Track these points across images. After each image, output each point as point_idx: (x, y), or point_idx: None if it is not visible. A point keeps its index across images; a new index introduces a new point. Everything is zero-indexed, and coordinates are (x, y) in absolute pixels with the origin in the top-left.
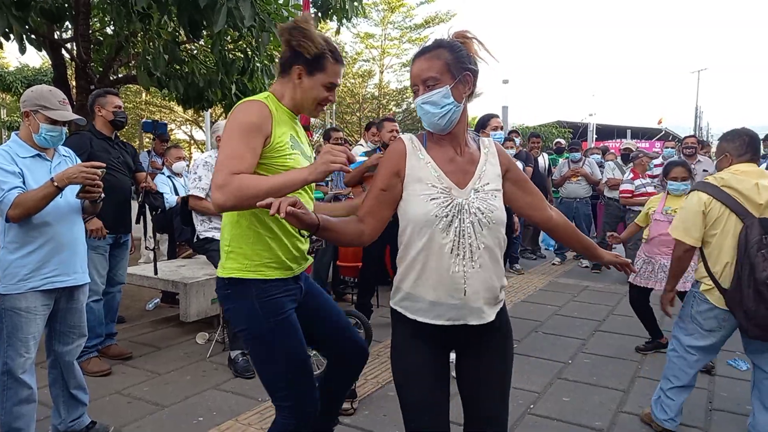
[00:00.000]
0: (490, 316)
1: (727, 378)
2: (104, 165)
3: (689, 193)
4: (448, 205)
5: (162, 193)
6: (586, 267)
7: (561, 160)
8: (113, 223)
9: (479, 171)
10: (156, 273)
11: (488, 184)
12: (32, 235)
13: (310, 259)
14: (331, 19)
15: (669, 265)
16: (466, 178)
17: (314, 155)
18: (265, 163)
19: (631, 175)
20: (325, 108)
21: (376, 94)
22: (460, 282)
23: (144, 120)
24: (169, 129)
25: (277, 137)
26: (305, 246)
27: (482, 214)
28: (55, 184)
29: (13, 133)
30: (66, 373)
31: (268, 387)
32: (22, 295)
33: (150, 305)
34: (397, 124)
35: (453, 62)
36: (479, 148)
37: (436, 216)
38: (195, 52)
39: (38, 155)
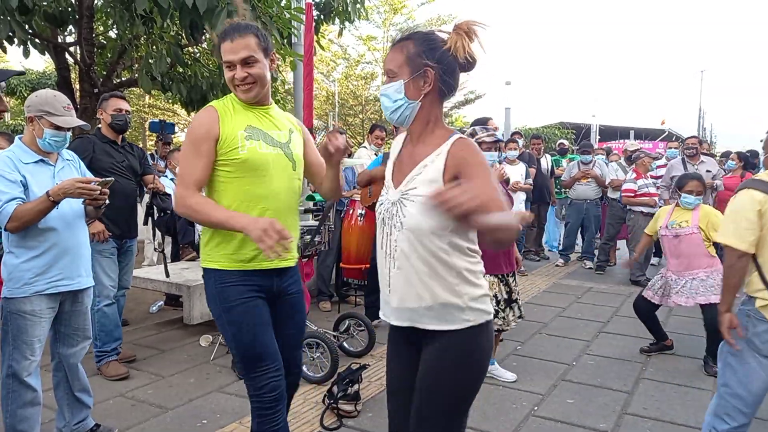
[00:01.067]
0: (427, 325)
1: None
2: (111, 179)
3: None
4: (382, 203)
5: (170, 195)
6: (590, 268)
7: (569, 162)
8: (117, 228)
9: (412, 174)
10: (167, 275)
11: (415, 189)
12: (37, 240)
13: (291, 259)
14: (333, 22)
15: (681, 282)
16: (403, 178)
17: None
18: (221, 159)
19: (634, 175)
20: (247, 86)
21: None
22: (385, 280)
23: (151, 120)
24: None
25: (226, 134)
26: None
27: (399, 217)
28: (51, 198)
29: (16, 138)
30: (70, 376)
31: (237, 366)
32: (27, 298)
33: (153, 308)
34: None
35: (414, 56)
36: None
37: (378, 212)
38: (197, 55)
39: (41, 160)
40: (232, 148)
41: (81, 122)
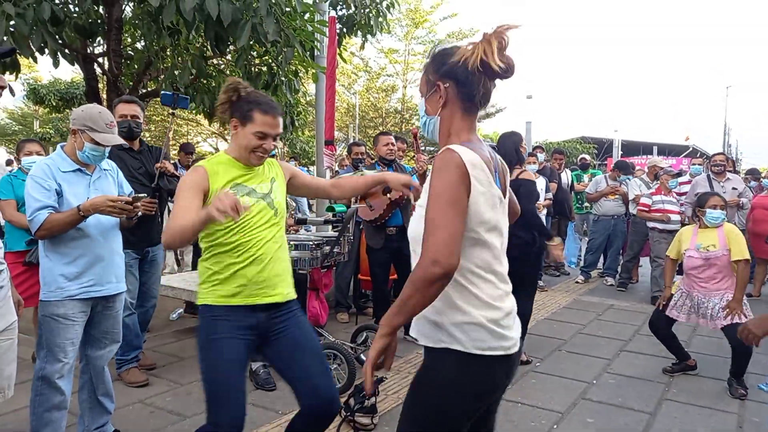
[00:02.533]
0: (415, 334)
1: (758, 402)
2: (143, 196)
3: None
4: None
5: (178, 177)
6: (611, 285)
7: (590, 177)
8: (137, 239)
9: (425, 185)
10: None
11: (422, 199)
12: (71, 246)
13: (276, 295)
14: (356, 35)
15: (706, 303)
16: None
17: (330, 166)
18: None
19: (653, 191)
20: (263, 156)
21: (399, 108)
22: None
23: (163, 91)
24: (195, 142)
25: (214, 188)
26: (267, 282)
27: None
28: (81, 213)
29: (58, 146)
30: (96, 379)
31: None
32: (60, 302)
33: (174, 315)
34: (392, 137)
35: (428, 75)
36: None
37: None
38: (222, 66)
39: (79, 170)
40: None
41: (121, 140)
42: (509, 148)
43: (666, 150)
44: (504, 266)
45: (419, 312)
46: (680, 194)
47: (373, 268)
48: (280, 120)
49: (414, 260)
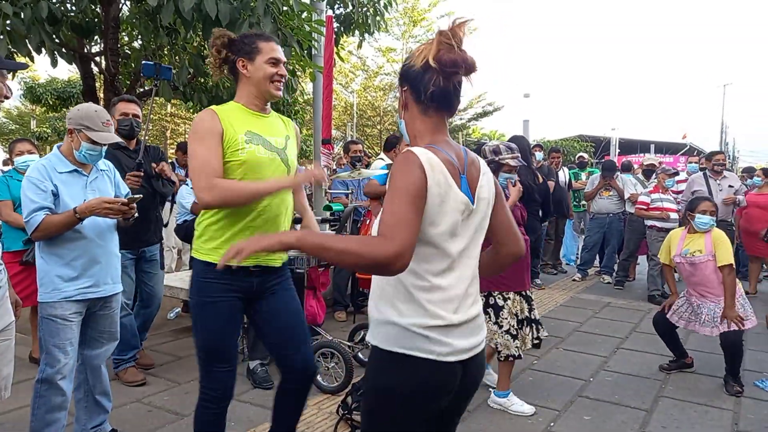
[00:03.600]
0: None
1: (754, 399)
2: (139, 197)
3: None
4: None
5: (174, 182)
6: (609, 283)
7: (588, 175)
8: (130, 238)
9: None
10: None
11: None
12: (68, 248)
13: (277, 259)
14: (353, 34)
15: (703, 308)
16: None
17: (327, 164)
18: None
19: (651, 189)
20: (281, 84)
21: (397, 107)
22: None
23: (144, 62)
24: None
25: (228, 134)
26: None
27: None
28: (77, 215)
29: (55, 146)
30: (92, 378)
31: (197, 354)
32: (57, 303)
33: (171, 314)
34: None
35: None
36: None
37: None
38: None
39: (76, 170)
40: (233, 149)
41: (118, 138)
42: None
43: (663, 148)
44: (462, 279)
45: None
46: (677, 192)
47: None
48: (281, 47)
49: None
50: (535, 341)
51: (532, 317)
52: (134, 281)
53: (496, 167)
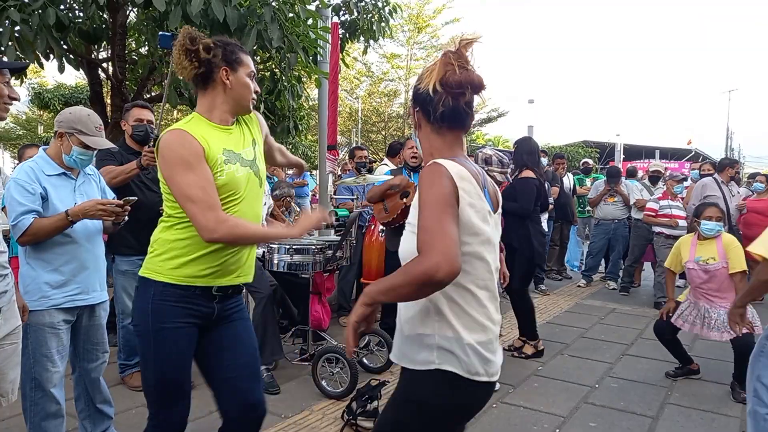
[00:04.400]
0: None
1: None
2: (134, 199)
3: None
4: None
5: None
6: (614, 289)
7: (593, 181)
8: (139, 243)
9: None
10: None
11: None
12: (56, 252)
13: (239, 278)
14: (358, 40)
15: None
16: None
17: (333, 170)
18: None
19: (660, 195)
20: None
21: (402, 113)
22: None
23: (161, 33)
24: None
25: (208, 156)
26: (240, 265)
27: None
28: (69, 218)
29: (41, 149)
30: (91, 390)
31: (143, 390)
32: (46, 311)
33: None
34: (415, 142)
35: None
36: None
37: None
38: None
39: (64, 173)
40: (213, 172)
41: (110, 144)
42: (521, 150)
43: (668, 154)
44: (495, 283)
45: (398, 301)
46: (684, 198)
47: (388, 270)
48: None
49: None
50: (538, 349)
51: None
52: None
53: None
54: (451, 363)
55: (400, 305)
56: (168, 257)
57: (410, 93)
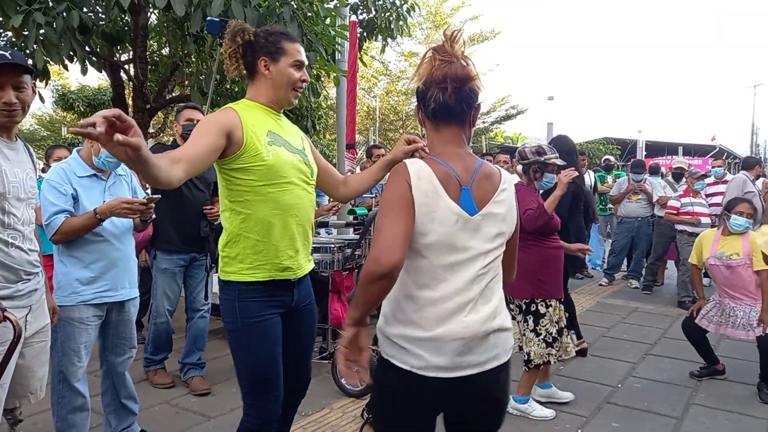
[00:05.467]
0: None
1: None
2: (158, 197)
3: None
4: None
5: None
6: (636, 288)
7: (614, 178)
8: (184, 241)
9: None
10: (206, 298)
11: None
12: (87, 251)
13: (306, 268)
14: (376, 39)
15: (738, 312)
16: None
17: (351, 169)
18: (242, 167)
19: (681, 193)
20: (300, 91)
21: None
22: None
23: (210, 18)
24: None
25: (249, 137)
26: (304, 250)
27: None
28: (98, 216)
29: (74, 150)
30: (117, 384)
31: (239, 382)
32: (76, 306)
33: None
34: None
35: None
36: None
37: None
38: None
39: (95, 175)
40: (255, 153)
41: None
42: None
43: (692, 150)
44: (458, 292)
45: (368, 307)
46: (709, 195)
47: None
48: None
49: None
50: (577, 348)
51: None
52: (180, 288)
53: (541, 168)
54: (386, 351)
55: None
56: (241, 255)
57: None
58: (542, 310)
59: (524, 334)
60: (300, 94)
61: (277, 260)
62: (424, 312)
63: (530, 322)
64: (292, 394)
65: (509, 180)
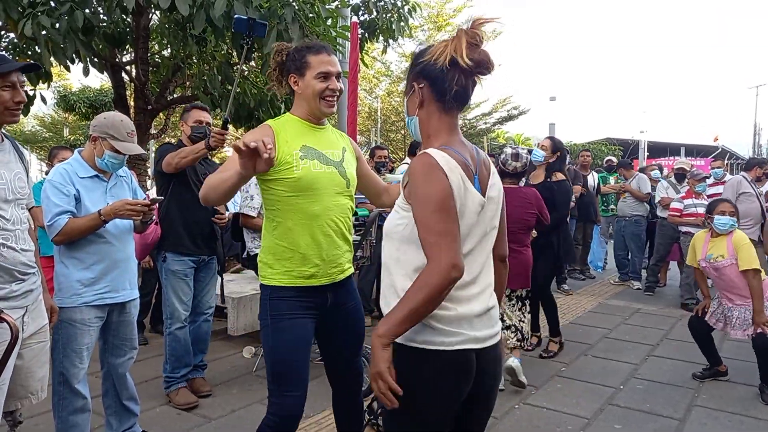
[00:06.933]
0: None
1: None
2: (161, 199)
3: None
4: None
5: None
6: (638, 289)
7: (617, 179)
8: (193, 243)
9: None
10: (222, 301)
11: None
12: (87, 252)
13: (345, 272)
14: (377, 40)
15: (733, 312)
16: None
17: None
18: (274, 178)
19: (683, 194)
20: (333, 100)
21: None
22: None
23: (237, 16)
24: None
25: (282, 152)
26: (338, 260)
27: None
28: (102, 217)
29: (76, 151)
30: (118, 385)
31: (267, 377)
32: (77, 308)
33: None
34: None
35: (408, 76)
36: None
37: None
38: (246, 73)
39: (96, 176)
40: (286, 167)
41: (141, 150)
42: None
43: (694, 151)
44: (471, 274)
45: (423, 318)
46: (709, 196)
47: None
48: (335, 58)
49: (386, 250)
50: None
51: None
52: (192, 291)
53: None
54: (412, 339)
55: (384, 291)
56: (273, 261)
57: (411, 65)
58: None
59: (522, 320)
60: (333, 103)
61: (303, 268)
62: (452, 294)
63: (527, 306)
64: (347, 390)
65: (493, 165)
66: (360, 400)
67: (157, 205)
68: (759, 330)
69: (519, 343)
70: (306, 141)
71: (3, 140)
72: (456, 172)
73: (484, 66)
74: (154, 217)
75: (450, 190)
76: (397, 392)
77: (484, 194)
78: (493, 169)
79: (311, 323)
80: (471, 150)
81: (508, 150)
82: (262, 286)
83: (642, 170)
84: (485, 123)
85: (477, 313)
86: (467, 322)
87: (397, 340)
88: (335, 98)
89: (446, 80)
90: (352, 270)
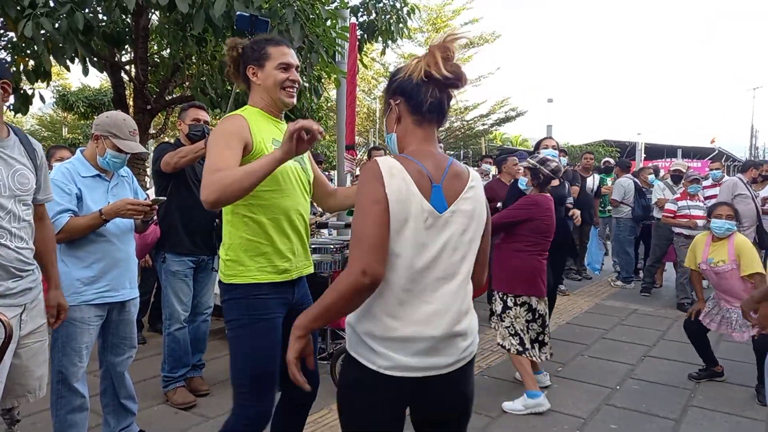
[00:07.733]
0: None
1: None
2: (163, 199)
3: None
4: None
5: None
6: (624, 287)
7: (614, 180)
8: (193, 243)
9: None
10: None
11: None
12: (88, 251)
13: (309, 267)
14: (376, 41)
15: (732, 314)
16: None
17: (351, 170)
18: None
19: (678, 196)
20: (293, 90)
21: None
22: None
23: (239, 13)
24: None
25: (257, 143)
26: (302, 252)
27: None
28: (103, 216)
29: (78, 150)
30: (117, 384)
31: (232, 381)
32: (77, 306)
33: None
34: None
35: (385, 95)
36: None
37: None
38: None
39: (98, 175)
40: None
41: (143, 149)
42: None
43: (691, 153)
44: (426, 292)
45: (338, 319)
46: (707, 198)
47: None
48: (293, 51)
49: None
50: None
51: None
52: (192, 291)
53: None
54: (354, 350)
55: None
56: (245, 258)
57: (388, 83)
58: (510, 303)
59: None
60: (293, 94)
61: (278, 263)
62: (394, 311)
63: (499, 308)
64: (304, 394)
65: (477, 178)
66: (308, 408)
67: (158, 206)
68: (759, 331)
69: (521, 350)
70: (274, 134)
71: (9, 135)
72: (398, 177)
73: (457, 78)
74: (155, 217)
75: (378, 195)
76: (300, 385)
77: (449, 205)
78: (474, 184)
79: (280, 324)
80: (440, 161)
81: (551, 164)
82: (229, 286)
83: (636, 174)
84: (483, 124)
85: (430, 336)
86: (404, 345)
87: (348, 348)
88: (294, 89)
89: (421, 94)
90: (311, 267)
